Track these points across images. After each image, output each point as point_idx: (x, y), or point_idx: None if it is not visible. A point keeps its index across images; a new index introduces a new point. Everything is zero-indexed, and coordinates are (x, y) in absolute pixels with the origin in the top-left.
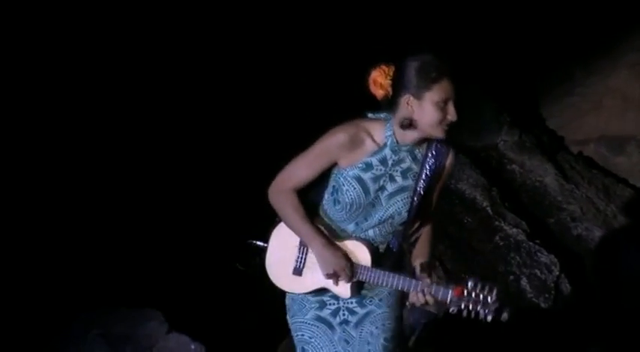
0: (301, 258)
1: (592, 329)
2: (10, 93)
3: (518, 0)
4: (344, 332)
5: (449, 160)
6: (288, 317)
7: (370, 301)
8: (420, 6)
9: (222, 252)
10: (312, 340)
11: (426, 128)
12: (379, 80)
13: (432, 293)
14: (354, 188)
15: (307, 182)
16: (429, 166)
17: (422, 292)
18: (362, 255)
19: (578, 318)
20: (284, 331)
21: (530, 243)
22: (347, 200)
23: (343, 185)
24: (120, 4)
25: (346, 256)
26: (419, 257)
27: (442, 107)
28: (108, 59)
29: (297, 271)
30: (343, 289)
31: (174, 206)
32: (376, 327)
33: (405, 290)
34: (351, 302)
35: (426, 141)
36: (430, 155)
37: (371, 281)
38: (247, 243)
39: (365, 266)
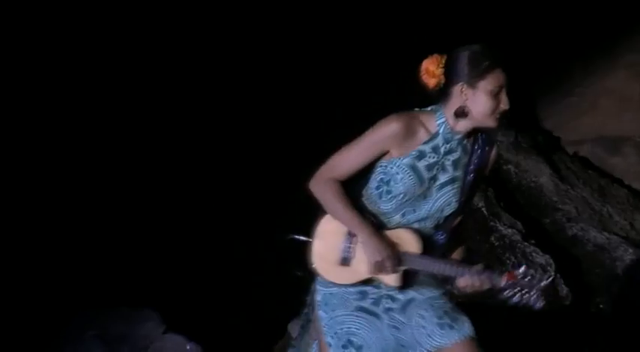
0: (350, 247)
1: (587, 330)
2: (10, 93)
3: (515, 0)
4: (391, 319)
5: (493, 152)
6: (322, 312)
7: (410, 287)
8: (416, 5)
9: (218, 251)
10: (359, 331)
11: (479, 117)
12: (432, 68)
13: (486, 277)
14: (410, 176)
15: (354, 172)
16: (477, 157)
17: (476, 276)
18: (411, 242)
19: (573, 319)
20: (280, 331)
21: (526, 244)
22: (402, 189)
23: (397, 174)
24: (120, 4)
25: (393, 245)
26: (457, 251)
27: (495, 95)
28: (108, 59)
29: (346, 261)
30: (392, 278)
31: (170, 206)
32: (425, 310)
33: (456, 276)
34: (392, 289)
35: (474, 132)
36: (477, 146)
37: (422, 268)
38: (290, 239)
39: (415, 254)
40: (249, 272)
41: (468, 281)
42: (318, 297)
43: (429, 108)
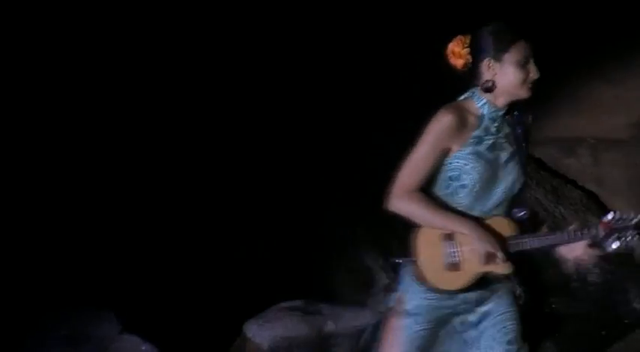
0: (454, 252)
1: (541, 331)
2: (10, 93)
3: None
4: (465, 332)
5: (529, 118)
6: (408, 321)
7: (489, 300)
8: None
9: (172, 251)
10: (438, 348)
11: (511, 89)
12: (457, 49)
13: (585, 235)
14: (478, 161)
15: (425, 180)
16: (519, 126)
17: (576, 237)
18: (505, 227)
19: (527, 319)
20: (236, 331)
21: None
22: (475, 177)
23: (466, 165)
24: (120, 4)
25: (496, 232)
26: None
27: (523, 66)
28: (108, 59)
29: (454, 266)
30: (504, 266)
31: (126, 208)
32: (497, 331)
33: (561, 243)
34: (473, 304)
35: (510, 105)
36: (515, 116)
37: (526, 247)
38: (393, 263)
39: (515, 236)
40: (204, 272)
41: (571, 246)
42: (408, 306)
43: (462, 97)
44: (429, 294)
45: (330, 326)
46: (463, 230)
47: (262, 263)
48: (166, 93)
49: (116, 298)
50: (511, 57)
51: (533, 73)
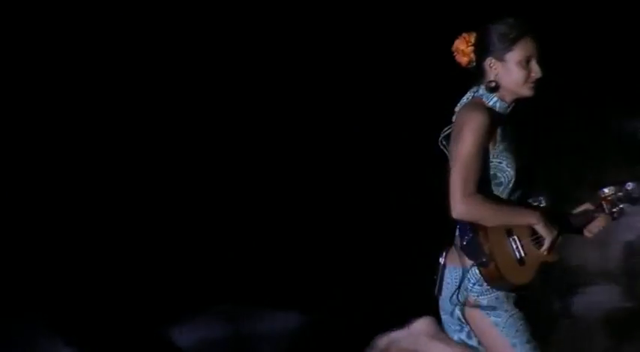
0: (517, 247)
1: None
2: (10, 93)
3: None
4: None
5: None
6: (495, 318)
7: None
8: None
9: (101, 255)
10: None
11: (514, 88)
12: (461, 47)
13: (598, 212)
14: (509, 158)
15: (479, 181)
16: (513, 119)
17: (594, 215)
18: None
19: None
20: (163, 335)
21: None
22: (511, 173)
23: (500, 163)
24: (120, 4)
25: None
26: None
27: (525, 66)
28: (108, 59)
29: (521, 261)
30: (556, 254)
31: (56, 207)
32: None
33: (581, 224)
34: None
35: (515, 101)
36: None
37: (566, 231)
38: (475, 266)
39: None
40: (131, 275)
41: (594, 223)
42: (483, 303)
43: (469, 96)
44: (491, 290)
45: (256, 329)
46: (531, 221)
47: (191, 265)
48: (166, 94)
49: (39, 300)
50: (513, 56)
51: (536, 73)
